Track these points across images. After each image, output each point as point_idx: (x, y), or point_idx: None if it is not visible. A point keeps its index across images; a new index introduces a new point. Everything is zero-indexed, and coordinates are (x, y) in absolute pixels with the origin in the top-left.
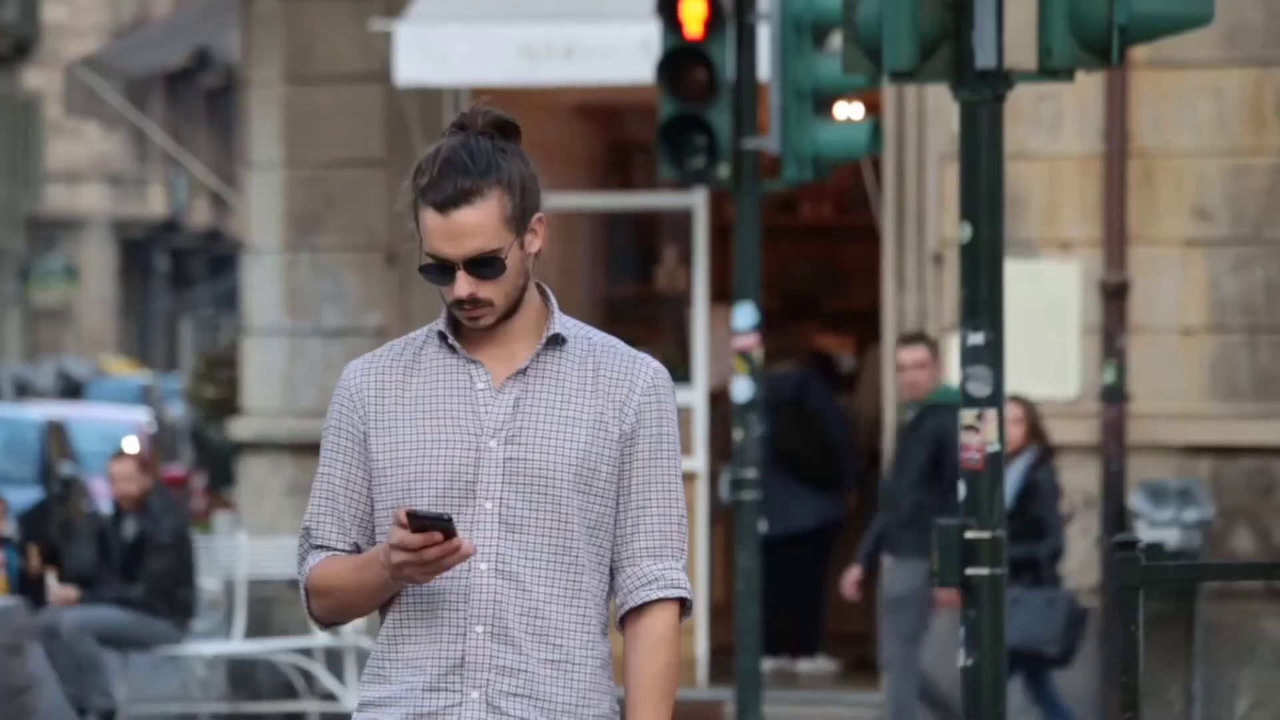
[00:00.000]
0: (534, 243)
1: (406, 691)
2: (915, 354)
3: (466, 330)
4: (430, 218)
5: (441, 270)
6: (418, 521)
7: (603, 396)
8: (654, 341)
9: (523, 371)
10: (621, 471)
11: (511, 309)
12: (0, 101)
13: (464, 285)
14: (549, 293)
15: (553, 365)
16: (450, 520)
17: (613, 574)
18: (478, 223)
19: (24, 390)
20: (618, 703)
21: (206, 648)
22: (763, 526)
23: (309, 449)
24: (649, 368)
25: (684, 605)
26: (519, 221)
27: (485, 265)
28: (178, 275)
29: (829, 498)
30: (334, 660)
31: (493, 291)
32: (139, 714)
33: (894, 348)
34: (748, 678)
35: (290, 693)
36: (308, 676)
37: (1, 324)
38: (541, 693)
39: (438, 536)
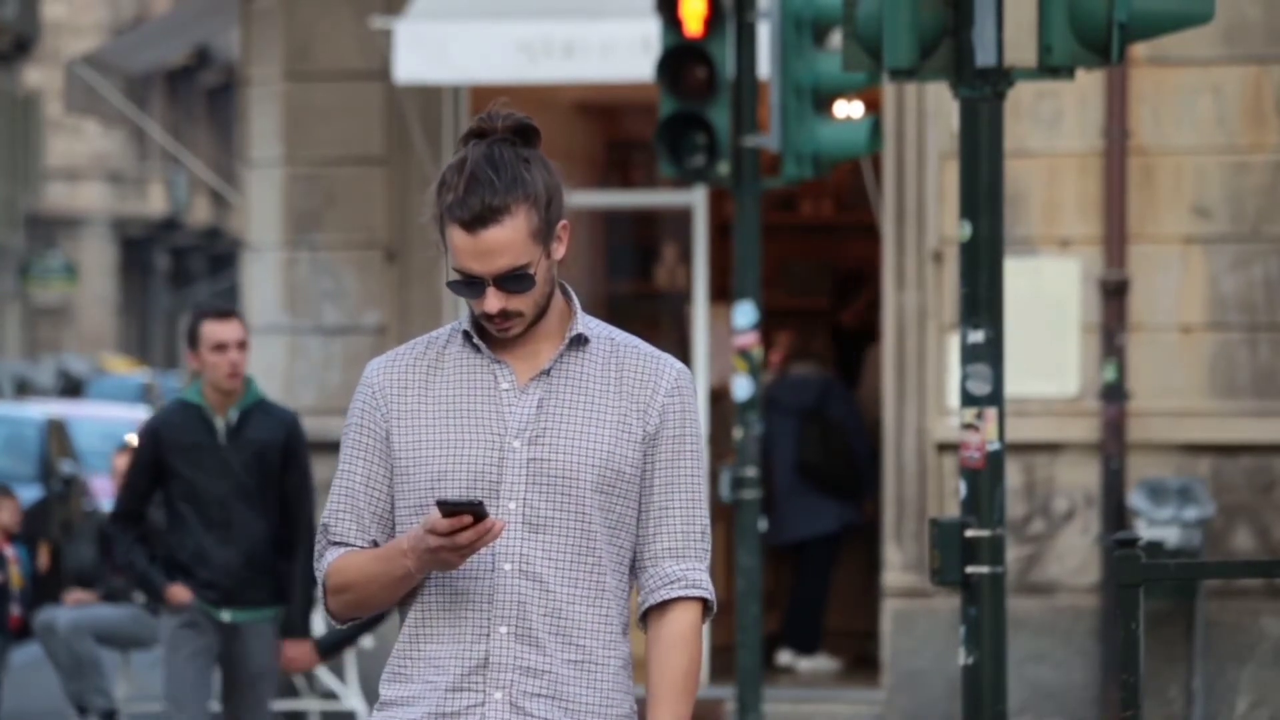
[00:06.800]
0: (559, 250)
1: (428, 690)
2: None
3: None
4: (458, 236)
5: (470, 285)
6: (448, 508)
7: (626, 397)
8: (654, 340)
9: (546, 372)
10: (644, 472)
11: (539, 315)
12: (0, 99)
13: (494, 301)
14: (571, 293)
15: (576, 366)
16: (481, 504)
17: (635, 573)
18: (506, 241)
19: (24, 388)
20: (637, 702)
21: None
22: (763, 525)
23: (308, 446)
24: (672, 369)
25: (706, 606)
26: (546, 234)
27: (515, 280)
28: (177, 273)
29: (850, 504)
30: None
31: (522, 303)
32: (139, 713)
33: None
34: (748, 676)
35: (291, 691)
36: (308, 675)
37: (1, 322)
38: (565, 693)
39: (468, 519)
